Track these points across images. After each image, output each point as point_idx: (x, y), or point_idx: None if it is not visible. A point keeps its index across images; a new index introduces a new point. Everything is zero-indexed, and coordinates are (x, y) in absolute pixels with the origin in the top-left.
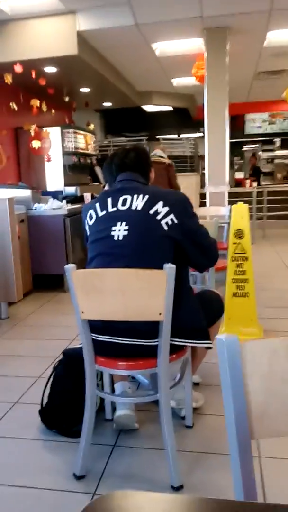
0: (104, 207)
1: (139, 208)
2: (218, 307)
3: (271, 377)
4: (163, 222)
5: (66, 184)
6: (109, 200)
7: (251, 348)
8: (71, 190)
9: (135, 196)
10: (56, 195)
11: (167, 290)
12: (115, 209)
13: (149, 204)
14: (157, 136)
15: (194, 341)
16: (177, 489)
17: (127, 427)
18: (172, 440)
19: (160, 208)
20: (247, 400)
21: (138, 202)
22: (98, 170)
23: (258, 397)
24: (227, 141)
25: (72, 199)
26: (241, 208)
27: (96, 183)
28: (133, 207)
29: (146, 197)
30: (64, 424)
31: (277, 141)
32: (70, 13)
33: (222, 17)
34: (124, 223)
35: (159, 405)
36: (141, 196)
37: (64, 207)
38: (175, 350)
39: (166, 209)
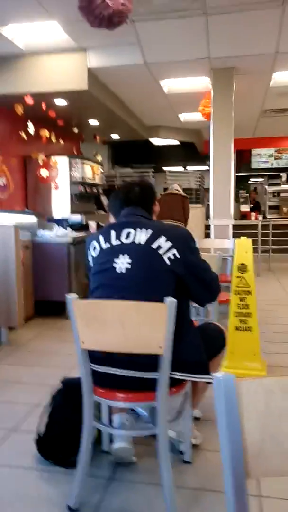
0: (107, 239)
1: (142, 242)
2: (220, 341)
3: (267, 416)
4: (165, 257)
5: (72, 212)
6: (113, 233)
7: (247, 387)
8: (76, 218)
9: (139, 230)
10: (61, 222)
11: (167, 323)
12: (118, 242)
13: (152, 239)
14: (164, 168)
15: (195, 376)
16: None
17: (124, 460)
18: (169, 476)
19: (163, 242)
20: (243, 438)
21: (141, 236)
22: (103, 199)
23: (254, 436)
24: (232, 175)
25: (77, 227)
26: (245, 243)
27: (102, 212)
28: (136, 241)
29: (150, 231)
30: (60, 454)
31: (283, 175)
32: (81, 51)
33: (229, 59)
34: (127, 256)
35: (157, 440)
36: (144, 230)
37: (68, 235)
38: (175, 384)
39: (169, 244)
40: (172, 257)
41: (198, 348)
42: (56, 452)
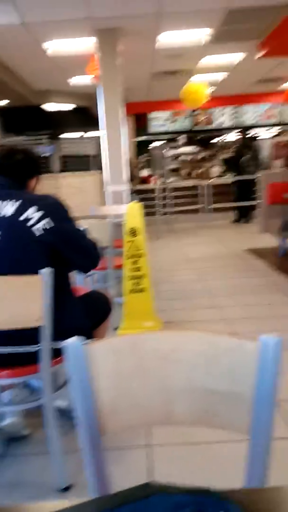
0: None
1: (8, 214)
2: (104, 307)
3: (118, 375)
4: (35, 228)
5: None
6: None
7: (96, 349)
8: None
9: (6, 202)
10: None
11: (44, 295)
12: None
13: (20, 210)
14: (60, 136)
15: None
16: (65, 490)
17: (15, 435)
18: (57, 443)
19: (32, 213)
20: (96, 399)
21: (8, 208)
22: None
23: (107, 395)
24: (124, 140)
25: None
26: (134, 207)
27: None
28: (2, 214)
29: (18, 203)
30: None
31: (181, 138)
32: None
33: (112, 19)
34: None
35: (43, 409)
36: (12, 202)
37: None
38: (59, 353)
39: (40, 213)
40: (44, 227)
41: (79, 316)
42: None
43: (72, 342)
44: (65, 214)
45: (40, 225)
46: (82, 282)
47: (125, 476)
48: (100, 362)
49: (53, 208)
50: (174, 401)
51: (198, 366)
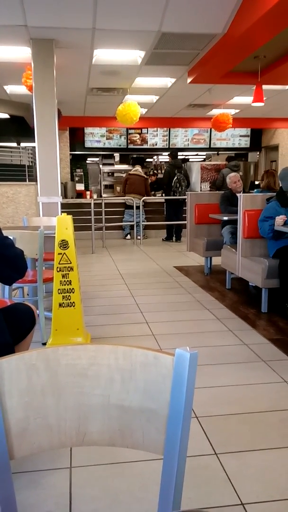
0: None
1: None
2: (28, 320)
3: (31, 392)
4: None
5: None
6: None
7: (8, 365)
8: None
9: None
10: None
11: None
12: None
13: None
14: None
15: None
16: None
17: None
18: None
19: None
20: (5, 419)
21: None
22: None
23: (17, 414)
24: (57, 152)
25: None
26: (65, 219)
27: None
28: None
29: None
30: None
31: (117, 155)
32: None
33: (47, 29)
34: None
35: None
36: None
37: None
38: None
39: None
40: None
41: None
42: None
43: None
44: None
45: None
46: (7, 295)
47: (44, 501)
48: (12, 379)
49: None
50: (88, 420)
51: (114, 382)
